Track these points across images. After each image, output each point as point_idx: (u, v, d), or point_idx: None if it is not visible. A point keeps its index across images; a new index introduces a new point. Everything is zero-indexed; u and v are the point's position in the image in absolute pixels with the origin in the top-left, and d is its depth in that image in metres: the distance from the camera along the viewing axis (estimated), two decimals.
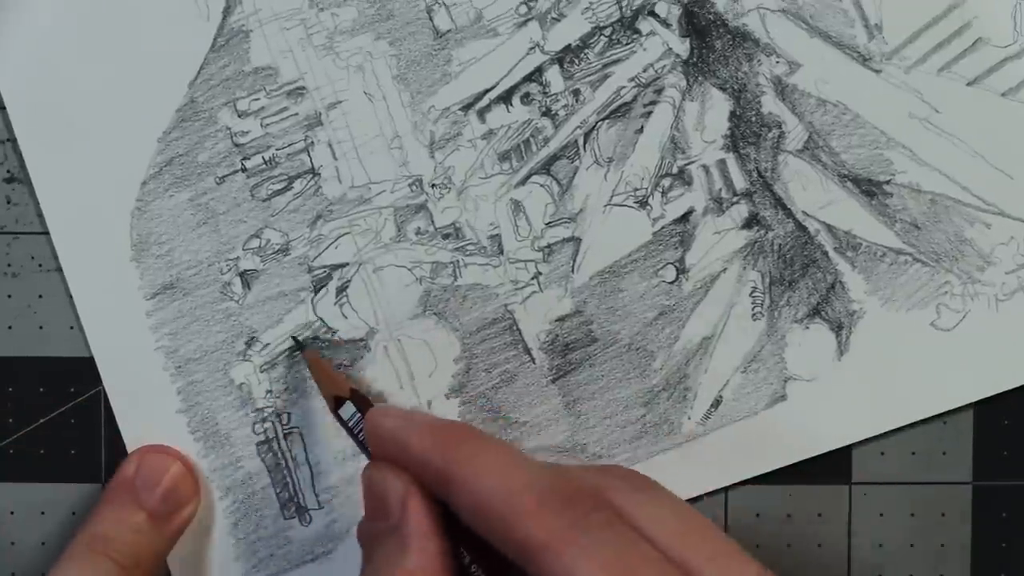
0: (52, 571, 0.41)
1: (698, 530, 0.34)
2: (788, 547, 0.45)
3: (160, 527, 0.42)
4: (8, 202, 0.44)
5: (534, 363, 0.44)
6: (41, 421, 0.44)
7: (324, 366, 0.43)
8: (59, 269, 0.44)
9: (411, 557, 0.35)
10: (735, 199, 0.44)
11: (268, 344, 0.44)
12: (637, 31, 0.44)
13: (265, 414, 0.44)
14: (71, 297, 0.44)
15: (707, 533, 0.34)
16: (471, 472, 0.34)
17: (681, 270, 0.44)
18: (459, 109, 0.44)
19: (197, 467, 0.44)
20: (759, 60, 0.44)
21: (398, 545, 0.36)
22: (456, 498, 0.35)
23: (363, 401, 0.41)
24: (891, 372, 0.44)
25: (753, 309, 0.44)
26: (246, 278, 0.44)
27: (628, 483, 0.35)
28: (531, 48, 0.44)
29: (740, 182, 0.44)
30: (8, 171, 0.44)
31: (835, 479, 0.45)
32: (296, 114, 0.44)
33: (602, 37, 0.44)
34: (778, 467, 0.44)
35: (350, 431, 0.41)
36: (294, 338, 0.44)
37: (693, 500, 0.44)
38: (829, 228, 0.44)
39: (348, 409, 0.41)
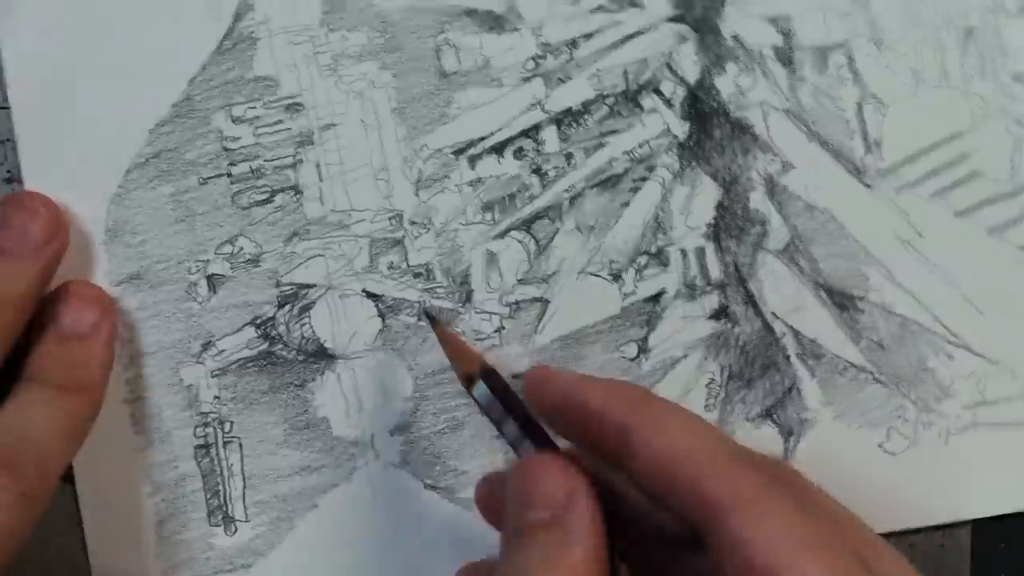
0: None
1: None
2: None
3: (24, 268, 0.41)
4: None
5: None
6: None
7: (457, 340, 0.42)
8: None
9: (575, 550, 0.34)
10: (708, 288, 0.44)
11: (224, 351, 0.44)
12: (639, 106, 0.44)
13: (208, 419, 0.44)
14: None
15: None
16: (656, 428, 0.34)
17: (643, 349, 0.44)
18: (451, 152, 0.44)
19: (58, 206, 0.42)
20: (755, 155, 0.44)
21: (560, 538, 0.35)
22: (637, 454, 0.34)
23: (496, 378, 0.40)
24: (833, 486, 0.44)
25: (707, 400, 0.44)
26: (213, 282, 0.44)
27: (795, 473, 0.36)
28: (532, 105, 0.44)
29: (716, 272, 0.44)
30: (8, 171, 0.44)
31: None
32: (290, 129, 0.44)
33: (604, 106, 0.44)
34: None
35: (483, 408, 0.40)
36: (427, 312, 0.43)
37: None
38: (795, 333, 0.44)
39: (480, 387, 0.40)
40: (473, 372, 0.40)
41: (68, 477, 0.44)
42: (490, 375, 0.40)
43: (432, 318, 0.43)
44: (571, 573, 0.34)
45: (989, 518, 0.45)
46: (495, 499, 0.40)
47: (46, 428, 0.40)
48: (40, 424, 0.40)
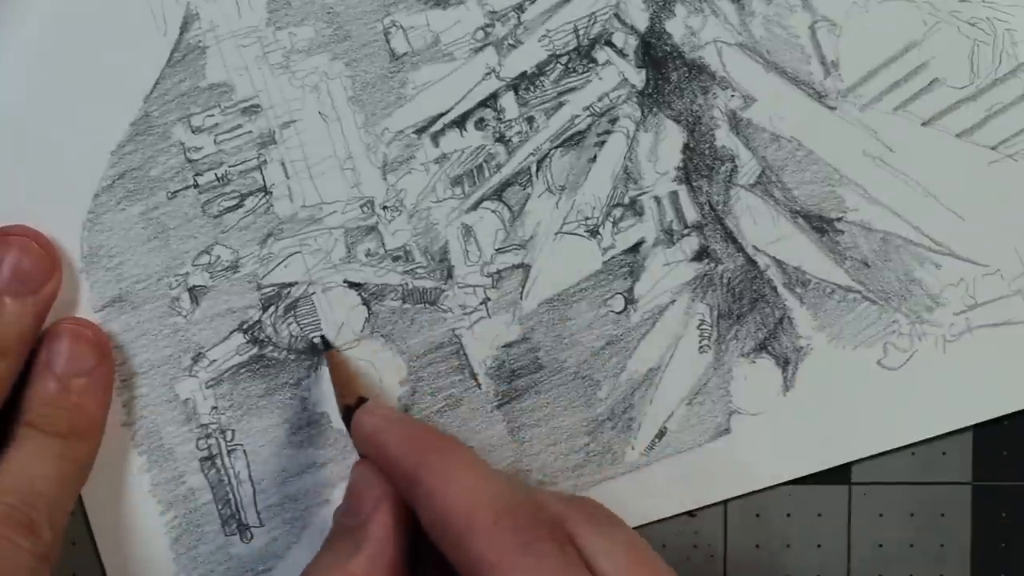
0: None
1: (647, 568, 0.34)
2: (788, 547, 0.45)
3: (22, 306, 0.41)
4: None
5: (480, 388, 0.44)
6: None
7: (344, 369, 0.43)
8: None
9: (358, 560, 0.36)
10: (686, 231, 0.44)
11: (215, 360, 0.44)
12: (593, 60, 0.44)
13: (209, 430, 0.44)
14: None
15: (655, 572, 0.34)
16: (439, 481, 0.35)
17: (630, 300, 0.44)
18: (413, 132, 0.44)
19: (50, 241, 0.43)
20: (714, 93, 0.44)
21: (352, 544, 0.36)
22: (421, 506, 0.35)
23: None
24: (836, 409, 0.44)
25: (700, 342, 0.44)
26: (195, 294, 0.44)
27: (589, 515, 0.36)
28: (487, 74, 0.44)
29: (691, 215, 0.44)
30: None
31: (835, 479, 0.45)
32: (250, 132, 0.44)
33: (558, 65, 0.44)
34: (720, 500, 0.44)
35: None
36: (323, 338, 0.43)
37: (647, 525, 0.44)
38: (779, 263, 0.44)
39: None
40: (349, 403, 0.41)
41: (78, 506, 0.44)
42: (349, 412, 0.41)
43: (328, 344, 0.44)
44: None
45: (987, 517, 0.45)
46: None
47: (55, 480, 0.40)
48: (48, 477, 0.40)
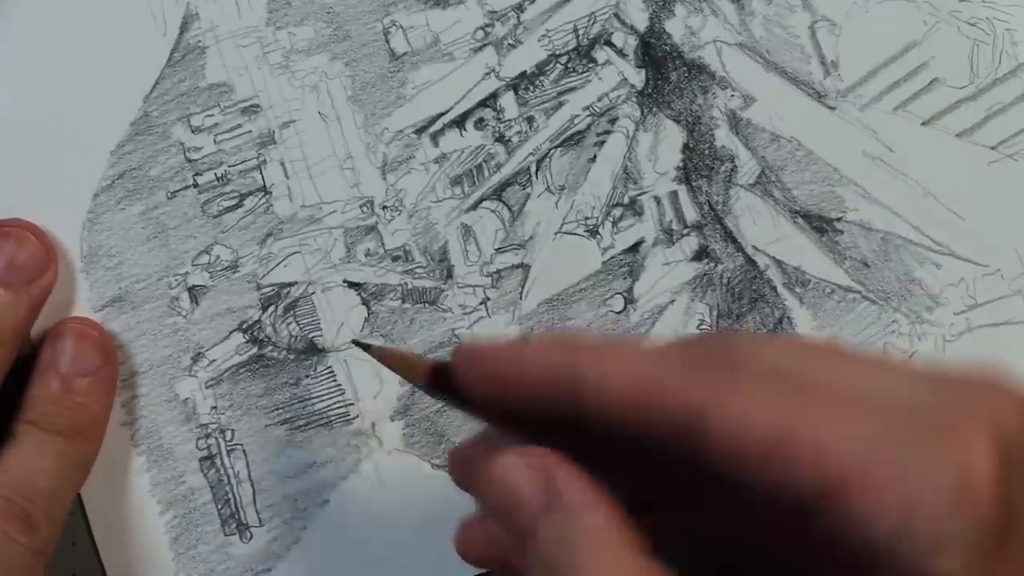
0: None
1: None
2: None
3: (16, 298, 0.41)
4: None
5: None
6: None
7: (398, 355, 0.40)
8: None
9: (584, 527, 0.29)
10: (685, 231, 0.44)
11: (214, 360, 0.44)
12: (593, 60, 0.44)
13: (209, 430, 0.44)
14: None
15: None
16: (604, 366, 0.30)
17: (629, 300, 0.44)
18: (412, 132, 0.44)
19: (48, 235, 0.43)
20: (714, 93, 0.44)
21: (563, 520, 0.29)
22: (593, 399, 0.30)
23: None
24: None
25: None
26: (194, 293, 0.44)
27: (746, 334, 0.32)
28: (486, 74, 0.44)
29: (691, 214, 0.44)
30: None
31: None
32: (250, 131, 0.44)
33: (558, 65, 0.44)
34: None
35: (455, 403, 0.36)
36: (355, 341, 0.42)
37: None
38: (779, 263, 0.44)
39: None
40: (425, 376, 0.37)
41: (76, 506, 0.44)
42: (442, 371, 0.37)
43: (365, 346, 0.41)
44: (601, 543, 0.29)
45: None
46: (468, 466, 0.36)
47: (53, 476, 0.40)
48: (47, 473, 0.40)
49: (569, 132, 0.44)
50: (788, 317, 0.44)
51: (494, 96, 0.44)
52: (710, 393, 0.28)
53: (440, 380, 0.36)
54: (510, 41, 0.44)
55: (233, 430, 0.44)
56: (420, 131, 0.44)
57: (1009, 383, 0.29)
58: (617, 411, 0.30)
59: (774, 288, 0.44)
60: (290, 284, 0.44)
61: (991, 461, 0.27)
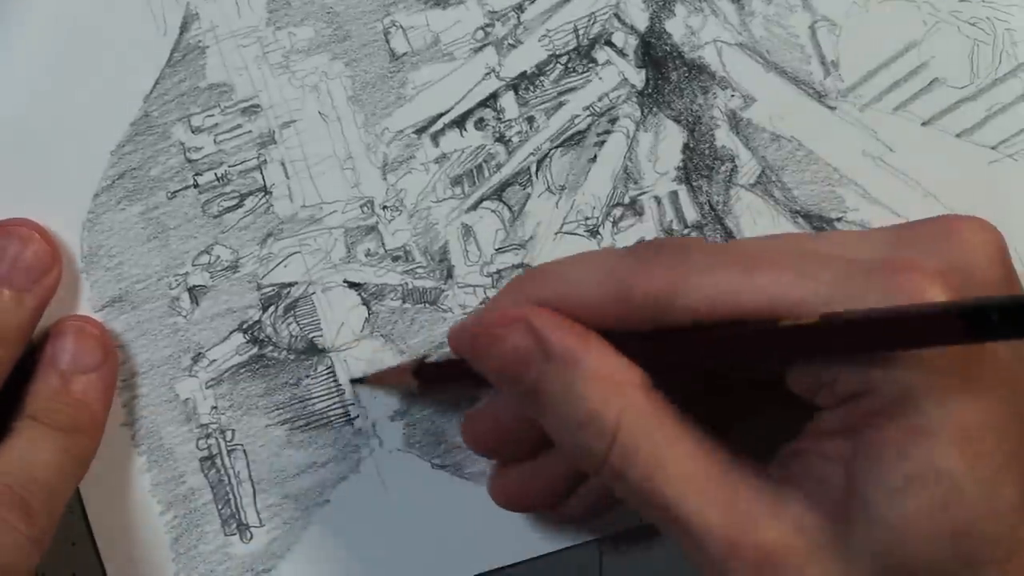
0: None
1: None
2: None
3: (21, 298, 0.41)
4: None
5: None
6: None
7: (387, 371, 0.43)
8: None
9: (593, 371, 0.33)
10: (686, 231, 0.44)
11: (215, 360, 0.44)
12: (593, 60, 0.44)
13: (209, 430, 0.44)
14: None
15: None
16: (574, 281, 0.34)
17: None
18: (413, 132, 0.44)
19: (52, 235, 0.43)
20: (714, 93, 0.44)
21: (561, 368, 0.34)
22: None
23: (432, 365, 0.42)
24: None
25: None
26: (195, 294, 0.44)
27: None
28: (487, 74, 0.44)
29: (691, 214, 0.44)
30: None
31: None
32: (250, 132, 0.44)
33: (558, 65, 0.44)
34: None
35: (444, 385, 0.42)
36: (352, 380, 0.43)
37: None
38: None
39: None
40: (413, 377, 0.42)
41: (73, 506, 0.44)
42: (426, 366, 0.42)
43: (359, 380, 0.43)
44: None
45: None
46: (483, 430, 0.40)
47: (52, 469, 0.40)
48: (47, 465, 0.40)
49: (569, 132, 0.44)
50: None
51: (494, 96, 0.44)
52: (673, 276, 0.32)
53: (426, 372, 0.41)
54: (510, 41, 0.44)
55: (233, 430, 0.44)
56: (420, 131, 0.44)
57: (966, 225, 0.33)
58: (596, 314, 0.34)
59: None
60: (290, 284, 0.44)
61: (944, 291, 0.30)
